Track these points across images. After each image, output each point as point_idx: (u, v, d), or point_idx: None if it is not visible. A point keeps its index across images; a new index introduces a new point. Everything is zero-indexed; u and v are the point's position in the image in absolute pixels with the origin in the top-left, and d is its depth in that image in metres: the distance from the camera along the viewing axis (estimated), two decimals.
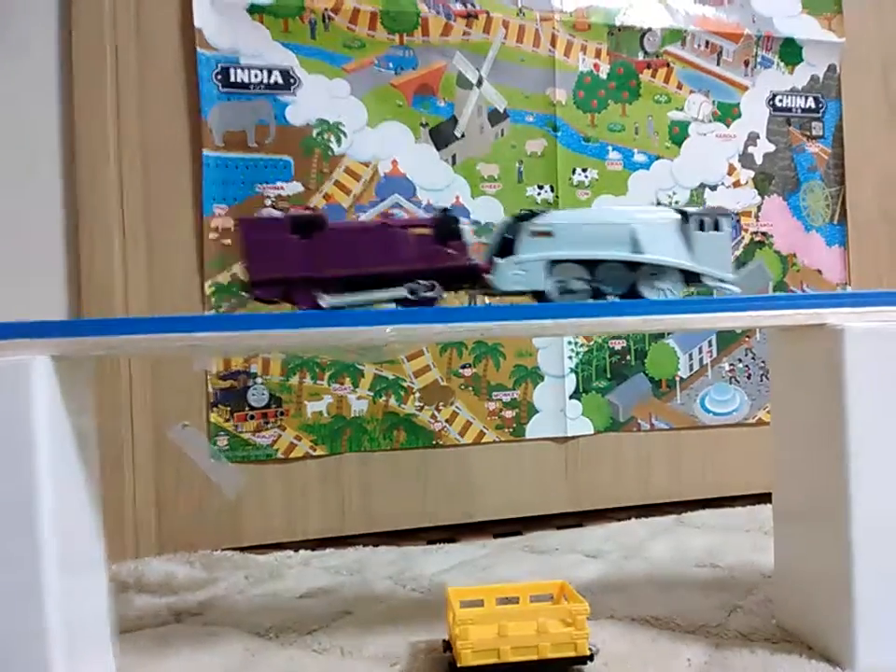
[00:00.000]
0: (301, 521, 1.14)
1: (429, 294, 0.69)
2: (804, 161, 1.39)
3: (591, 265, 0.71)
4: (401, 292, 0.68)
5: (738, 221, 1.35)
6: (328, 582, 0.95)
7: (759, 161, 1.37)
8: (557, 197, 1.25)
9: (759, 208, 1.37)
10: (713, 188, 1.34)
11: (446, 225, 0.70)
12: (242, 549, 1.07)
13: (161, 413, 1.09)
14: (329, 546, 1.11)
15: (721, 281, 0.74)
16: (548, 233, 0.70)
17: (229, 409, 1.12)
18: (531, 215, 0.72)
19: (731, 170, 1.35)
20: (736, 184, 1.35)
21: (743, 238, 1.36)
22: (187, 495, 1.09)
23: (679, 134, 1.32)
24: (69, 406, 0.58)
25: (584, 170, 1.27)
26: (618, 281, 0.72)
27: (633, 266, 0.71)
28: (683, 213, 0.73)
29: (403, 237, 0.69)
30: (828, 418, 0.68)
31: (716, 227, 0.72)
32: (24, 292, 1.03)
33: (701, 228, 0.72)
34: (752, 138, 1.36)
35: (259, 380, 1.13)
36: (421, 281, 0.68)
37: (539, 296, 0.71)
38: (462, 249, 0.70)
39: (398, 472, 1.18)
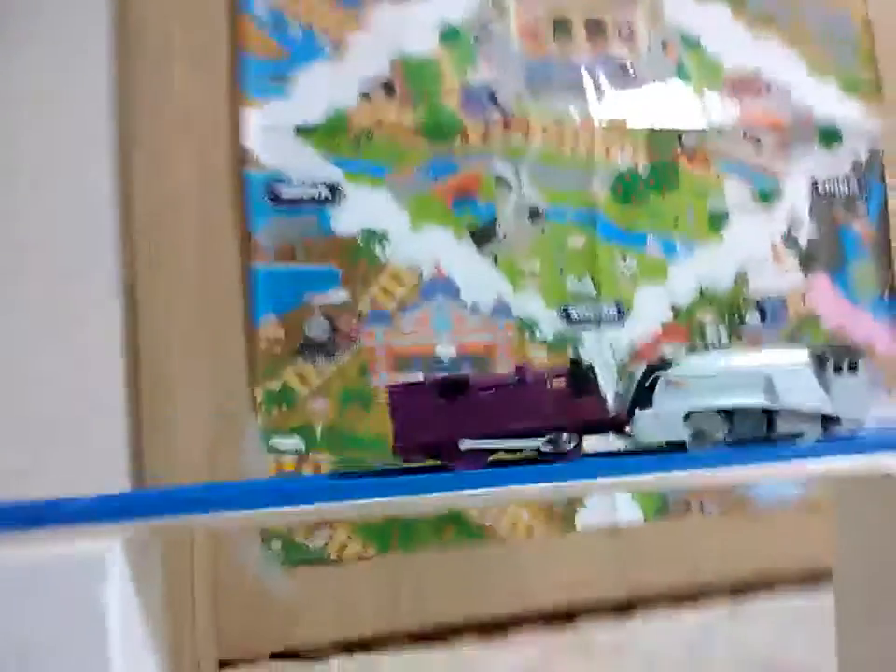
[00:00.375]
0: (353, 621, 1.17)
1: (569, 446, 0.69)
2: (849, 238, 1.39)
3: (727, 413, 0.71)
4: (538, 443, 0.69)
5: (784, 302, 1.35)
6: None
7: (803, 240, 1.36)
8: (598, 289, 1.28)
9: (805, 288, 1.36)
10: (757, 271, 1.34)
11: (581, 377, 0.71)
12: (296, 654, 1.11)
13: None
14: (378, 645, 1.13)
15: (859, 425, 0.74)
16: (683, 383, 0.71)
17: None
18: (665, 364, 0.72)
19: (775, 253, 1.35)
20: (781, 266, 1.35)
21: (790, 320, 1.35)
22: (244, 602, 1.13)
23: (719, 220, 1.33)
24: (141, 587, 0.58)
25: (624, 259, 1.29)
26: (754, 428, 0.71)
27: (769, 412, 0.71)
28: (818, 356, 0.72)
29: (541, 393, 0.69)
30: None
31: (852, 368, 0.71)
32: (83, 415, 1.09)
33: (837, 370, 0.70)
34: (796, 216, 1.37)
35: None
36: (563, 434, 0.70)
37: (677, 446, 0.72)
38: (599, 402, 0.71)
39: (447, 569, 1.20)
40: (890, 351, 1.38)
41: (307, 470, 1.17)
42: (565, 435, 0.70)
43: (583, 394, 0.71)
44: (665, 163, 1.31)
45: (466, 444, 0.69)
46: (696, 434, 0.72)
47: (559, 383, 0.71)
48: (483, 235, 1.25)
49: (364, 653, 1.11)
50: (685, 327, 1.31)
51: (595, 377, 0.72)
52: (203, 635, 1.10)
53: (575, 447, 0.71)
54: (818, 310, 1.36)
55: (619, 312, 1.29)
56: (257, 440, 1.14)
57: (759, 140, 1.36)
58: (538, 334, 1.26)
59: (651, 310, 1.30)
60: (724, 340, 1.32)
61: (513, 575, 1.21)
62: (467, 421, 0.69)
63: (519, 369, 0.73)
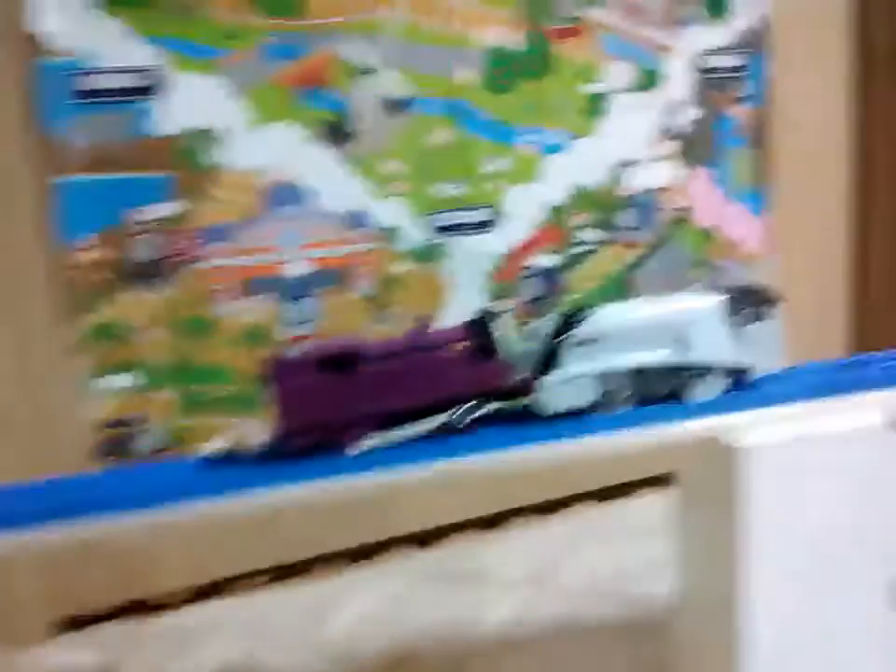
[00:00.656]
0: (207, 565, 1.10)
1: (475, 415, 0.65)
2: (729, 126, 1.31)
3: (636, 371, 0.68)
4: (444, 418, 0.64)
5: (660, 198, 1.28)
6: None
7: (682, 130, 1.28)
8: (467, 192, 1.15)
9: (682, 182, 1.29)
10: (634, 164, 1.25)
11: (481, 338, 0.65)
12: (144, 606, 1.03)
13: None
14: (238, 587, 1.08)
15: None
16: (594, 340, 0.66)
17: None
18: (573, 318, 0.67)
19: (653, 142, 1.26)
20: (659, 158, 1.27)
21: (664, 216, 1.29)
22: None
23: (596, 110, 1.22)
24: None
25: (495, 158, 1.17)
26: (663, 385, 0.68)
27: (678, 368, 0.68)
28: (732, 303, 0.69)
29: (437, 361, 0.64)
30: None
31: (765, 315, 0.69)
32: None
33: (750, 318, 0.69)
34: (675, 106, 1.27)
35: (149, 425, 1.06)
36: (464, 405, 0.65)
37: (588, 411, 0.67)
38: (501, 368, 0.66)
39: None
40: (765, 248, 1.36)
41: (148, 411, 1.04)
42: (467, 406, 0.65)
43: (486, 357, 0.66)
44: (540, 40, 1.16)
45: (371, 440, 0.63)
46: (605, 396, 0.67)
47: (458, 346, 0.66)
48: (335, 132, 1.09)
49: (219, 598, 1.05)
50: (560, 230, 1.23)
51: (496, 336, 0.66)
52: (37, 594, 1.00)
53: (478, 418, 0.65)
54: (694, 206, 1.30)
55: (490, 216, 1.18)
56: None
57: (641, 9, 1.23)
58: (402, 245, 1.14)
59: (524, 212, 1.20)
60: (599, 242, 1.25)
61: (378, 504, 1.16)
62: (358, 397, 0.63)
63: (414, 334, 0.67)
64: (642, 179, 1.26)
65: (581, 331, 0.66)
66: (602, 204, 1.24)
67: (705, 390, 0.69)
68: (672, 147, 1.27)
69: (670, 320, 0.68)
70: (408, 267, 1.15)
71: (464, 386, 0.65)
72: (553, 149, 1.20)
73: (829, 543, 0.65)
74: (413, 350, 0.65)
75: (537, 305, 1.22)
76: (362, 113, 1.09)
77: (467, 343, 0.66)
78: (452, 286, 1.17)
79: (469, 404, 0.65)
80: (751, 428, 0.64)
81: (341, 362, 0.62)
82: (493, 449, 0.64)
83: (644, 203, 1.27)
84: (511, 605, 1.00)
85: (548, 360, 0.67)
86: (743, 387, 0.70)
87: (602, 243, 1.25)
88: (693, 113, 1.28)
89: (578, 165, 1.21)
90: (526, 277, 1.21)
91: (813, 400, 0.69)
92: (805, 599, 0.65)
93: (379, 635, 0.95)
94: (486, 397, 0.66)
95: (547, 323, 0.68)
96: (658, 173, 1.27)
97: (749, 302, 0.69)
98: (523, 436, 0.65)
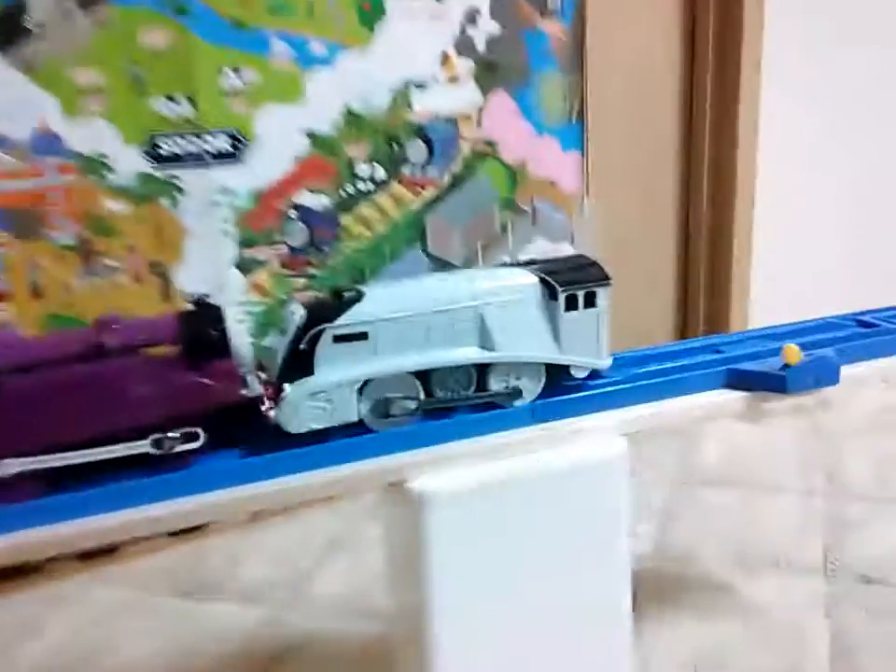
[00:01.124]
0: None
1: (187, 447, 0.45)
2: (536, 44, 1.12)
3: (421, 374, 0.50)
4: (141, 448, 0.44)
5: (456, 128, 1.08)
6: None
7: (480, 46, 1.07)
8: (198, 112, 0.91)
9: (481, 109, 1.09)
10: (422, 86, 1.04)
11: (200, 333, 0.46)
12: None
13: None
14: None
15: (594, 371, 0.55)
16: (361, 336, 0.49)
17: None
18: (336, 304, 0.48)
19: (445, 60, 1.05)
20: (453, 79, 1.06)
21: (462, 150, 1.09)
22: None
23: (372, 14, 0.99)
24: None
25: (236, 70, 0.92)
26: (460, 387, 0.51)
27: (479, 368, 0.51)
28: (547, 282, 0.52)
29: (126, 370, 0.44)
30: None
31: (590, 301, 0.52)
32: None
33: (571, 305, 0.52)
34: (471, 16, 1.06)
35: None
36: (171, 433, 0.45)
37: (353, 427, 0.49)
38: (229, 375, 0.46)
39: None
40: (577, 188, 1.19)
41: None
42: (174, 434, 0.45)
43: (204, 360, 0.46)
44: None
45: (10, 467, 0.42)
46: (378, 406, 0.49)
47: (162, 349, 0.46)
48: (5, 31, 0.82)
49: None
50: (330, 163, 1.00)
51: (223, 328, 0.47)
52: None
53: (191, 448, 0.45)
54: (496, 138, 1.11)
55: (234, 144, 0.94)
56: None
57: None
58: (111, 178, 0.89)
59: (280, 140, 0.97)
60: (381, 179, 1.04)
61: None
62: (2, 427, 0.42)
63: (98, 327, 0.45)
64: (433, 104, 1.05)
65: (341, 324, 0.48)
66: (383, 134, 1.02)
67: (515, 396, 0.52)
68: (469, 66, 1.07)
69: (467, 306, 0.51)
70: (121, 207, 0.90)
71: (165, 406, 0.45)
72: (317, 63, 0.97)
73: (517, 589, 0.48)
74: (84, 356, 0.43)
75: (303, 256, 1.00)
76: (44, 2, 0.83)
77: (175, 343, 0.46)
78: (190, 233, 0.94)
79: (180, 431, 0.45)
80: (444, 466, 0.45)
81: None
82: (208, 489, 0.45)
83: (437, 134, 1.06)
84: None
85: (295, 364, 0.48)
86: (562, 390, 0.52)
87: (385, 180, 1.04)
88: (494, 26, 1.08)
89: (349, 84, 0.99)
90: (289, 221, 0.99)
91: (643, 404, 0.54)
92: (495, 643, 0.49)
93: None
94: (205, 419, 0.46)
95: (293, 311, 0.49)
96: (453, 97, 1.06)
97: (567, 283, 0.52)
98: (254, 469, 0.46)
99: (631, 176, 1.23)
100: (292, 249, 1.00)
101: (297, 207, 0.99)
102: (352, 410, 0.48)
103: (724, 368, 0.55)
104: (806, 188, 1.32)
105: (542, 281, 0.53)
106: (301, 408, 0.47)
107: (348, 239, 1.03)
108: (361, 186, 1.02)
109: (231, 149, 0.94)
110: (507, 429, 0.50)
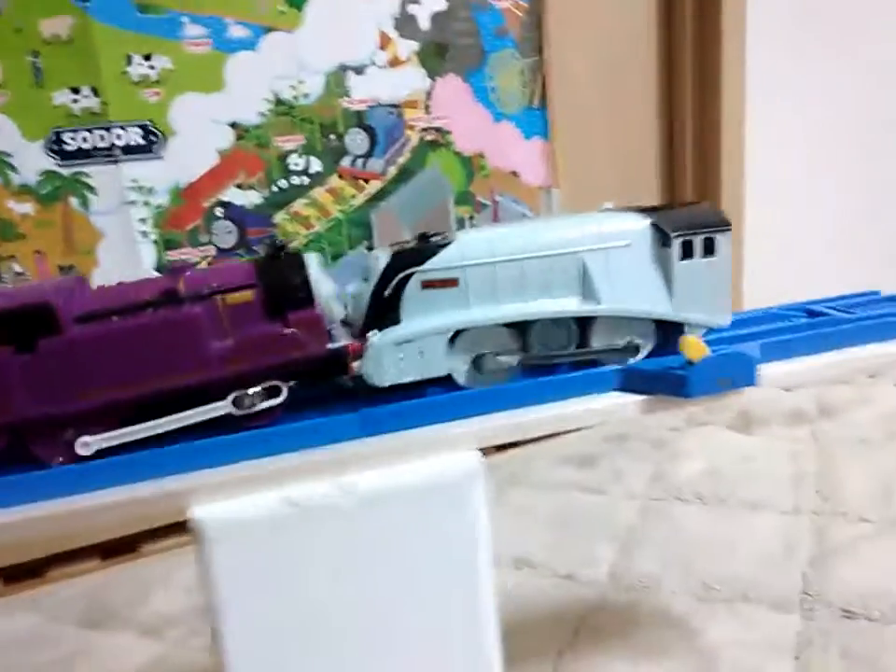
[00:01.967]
0: None
1: (268, 404, 0.41)
2: (490, 22, 1.03)
3: (519, 326, 0.46)
4: (221, 409, 0.41)
5: (401, 116, 1.00)
6: None
7: (425, 25, 0.99)
8: (105, 104, 0.84)
9: (429, 95, 1.01)
10: (359, 70, 0.96)
11: (281, 280, 0.42)
12: None
13: None
14: None
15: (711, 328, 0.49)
16: (451, 282, 0.44)
17: None
18: (424, 248, 0.44)
19: (384, 41, 0.97)
20: (394, 62, 0.98)
21: (409, 139, 1.01)
22: None
23: None
24: None
25: (147, 57, 0.86)
26: (560, 343, 0.46)
27: (582, 319, 0.47)
28: (659, 227, 0.47)
29: (202, 320, 0.40)
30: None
31: (708, 249, 0.47)
32: None
33: (686, 253, 0.46)
34: None
35: None
36: (252, 389, 0.41)
37: (443, 382, 0.45)
38: (313, 325, 0.42)
39: None
40: (543, 179, 1.10)
41: None
42: (256, 390, 0.41)
43: (287, 310, 0.42)
44: None
45: (89, 446, 0.39)
46: (474, 363, 0.45)
47: (242, 296, 0.41)
48: None
49: None
50: (259, 156, 0.93)
51: (305, 275, 0.42)
52: None
53: (277, 405, 0.42)
54: (448, 125, 1.02)
55: (147, 137, 0.87)
56: None
57: None
58: (13, 177, 0.83)
59: (200, 133, 0.90)
60: (318, 173, 0.96)
61: None
62: (68, 383, 0.39)
63: (170, 274, 0.42)
64: (374, 90, 0.97)
65: (429, 269, 0.44)
66: (318, 123, 0.95)
67: (629, 352, 0.47)
68: (413, 48, 0.98)
69: (568, 252, 0.46)
70: (28, 209, 0.84)
71: (247, 358, 0.41)
72: (239, 47, 0.89)
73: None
74: (158, 303, 0.40)
75: (233, 257, 0.93)
76: None
77: (255, 291, 0.42)
78: (103, 235, 0.87)
79: (262, 385, 0.42)
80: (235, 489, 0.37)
81: (26, 326, 0.38)
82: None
83: (379, 122, 0.98)
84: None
85: (379, 312, 0.44)
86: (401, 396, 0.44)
87: (322, 173, 0.96)
88: (439, 2, 0.99)
89: (276, 70, 0.91)
90: (216, 220, 0.92)
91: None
92: None
93: None
94: (286, 372, 0.42)
95: (377, 256, 0.45)
96: (396, 82, 0.98)
97: (682, 228, 0.46)
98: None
99: (604, 166, 1.13)
100: (221, 251, 0.92)
101: (224, 205, 0.92)
102: (441, 363, 0.44)
103: (622, 368, 0.45)
104: (795, 173, 1.21)
105: (653, 226, 0.47)
106: (386, 358, 0.43)
107: (283, 238, 0.95)
108: (295, 180, 0.95)
109: (143, 143, 0.87)
110: (339, 441, 0.41)
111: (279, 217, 0.94)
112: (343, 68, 0.95)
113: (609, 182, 1.15)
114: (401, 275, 0.43)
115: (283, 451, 0.41)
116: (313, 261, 0.43)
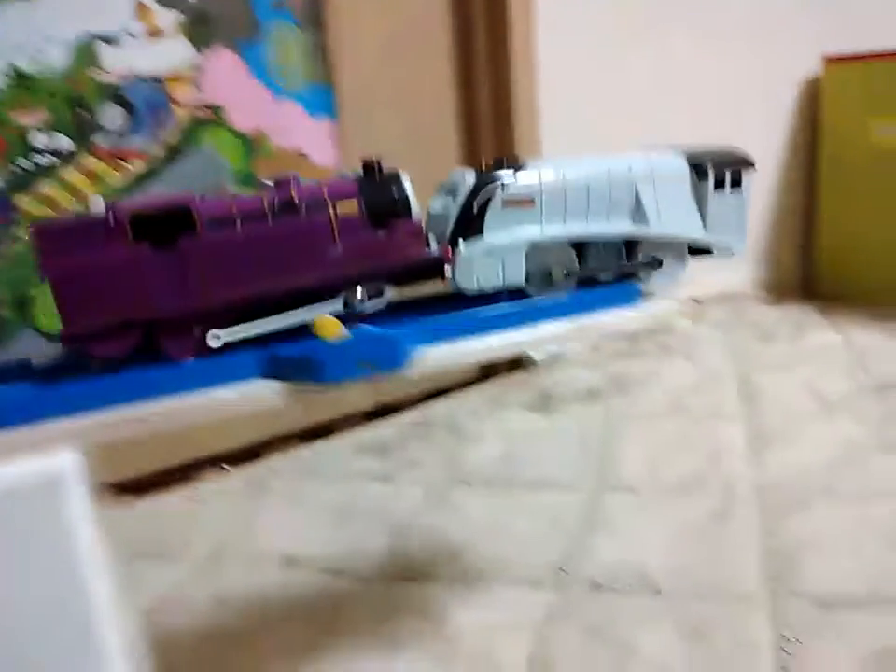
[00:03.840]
0: None
1: (374, 303, 0.47)
2: None
3: (579, 244, 0.52)
4: (332, 306, 0.46)
5: (164, 91, 0.93)
6: None
7: None
8: None
9: (198, 69, 0.94)
10: (110, 40, 0.88)
11: (382, 193, 0.47)
12: None
13: None
14: None
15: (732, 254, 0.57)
16: (528, 202, 0.50)
17: None
18: (498, 172, 0.49)
19: (141, 11, 0.90)
20: (154, 32, 0.91)
21: (177, 116, 0.94)
22: None
23: None
24: None
25: None
26: (610, 261, 0.53)
27: (632, 242, 0.54)
28: (698, 166, 0.55)
29: (321, 227, 0.45)
30: None
31: (736, 182, 0.55)
32: None
33: (718, 185, 0.55)
34: None
35: None
36: (360, 287, 0.46)
37: (516, 293, 0.51)
38: (413, 234, 0.47)
39: None
40: (332, 160, 1.05)
41: None
42: (362, 290, 0.47)
43: (387, 221, 0.47)
44: None
45: (218, 338, 0.43)
46: (540, 273, 0.50)
47: (350, 207, 0.46)
48: None
49: None
50: None
51: (403, 189, 0.47)
52: None
53: (382, 305, 0.47)
54: (222, 102, 0.96)
55: None
56: None
57: None
58: None
59: None
60: (67, 151, 0.88)
61: None
62: (198, 282, 0.42)
63: (280, 185, 0.45)
64: (132, 62, 0.90)
65: (511, 189, 0.49)
66: (65, 97, 0.87)
67: (655, 266, 0.54)
68: (176, 18, 0.92)
69: (626, 179, 0.52)
70: None
71: (356, 262, 0.46)
72: None
73: None
74: (278, 211, 0.44)
75: None
76: None
77: (358, 202, 0.47)
78: None
79: (368, 287, 0.47)
80: None
81: (166, 227, 0.42)
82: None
83: (138, 97, 0.91)
84: None
85: (466, 226, 0.49)
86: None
87: (73, 153, 0.88)
88: None
89: (14, 40, 0.83)
90: None
91: None
92: None
93: None
94: (389, 276, 0.48)
95: (465, 175, 0.50)
96: (156, 54, 0.91)
97: (717, 166, 0.54)
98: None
99: (398, 143, 1.10)
100: None
101: None
102: (520, 272, 0.49)
103: (263, 354, 0.41)
104: (588, 129, 1.23)
105: (691, 163, 0.54)
106: (476, 265, 0.48)
107: (30, 223, 0.86)
108: (40, 160, 0.86)
109: None
110: None
111: (22, 201, 0.86)
112: (93, 38, 0.87)
113: (405, 160, 1.12)
114: (486, 193, 0.48)
115: None
116: (406, 178, 0.48)
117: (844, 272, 1.52)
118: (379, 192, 0.47)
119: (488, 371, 1.22)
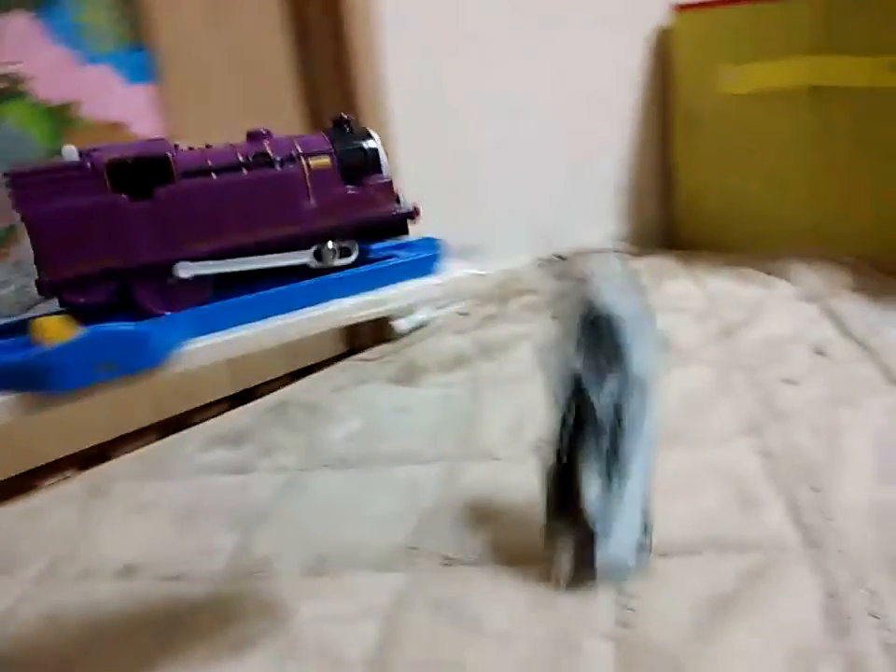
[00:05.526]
0: None
1: (343, 261, 0.47)
2: None
3: None
4: (301, 258, 0.46)
5: None
6: None
7: None
8: None
9: None
10: None
11: (354, 149, 0.48)
12: None
13: None
14: None
15: None
16: None
17: None
18: None
19: None
20: None
21: None
22: None
23: None
24: None
25: None
26: None
27: None
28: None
29: (296, 180, 0.45)
30: None
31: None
32: None
33: None
34: None
35: None
36: (331, 242, 0.47)
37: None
38: (384, 189, 0.48)
39: None
40: (155, 129, 0.97)
41: None
42: (332, 244, 0.47)
43: (360, 177, 0.48)
44: None
45: (187, 270, 0.43)
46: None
47: (322, 162, 0.47)
48: None
49: None
50: None
51: (374, 146, 0.49)
52: None
53: (351, 261, 0.48)
54: (22, 71, 0.86)
55: None
56: None
57: None
58: None
59: None
60: None
61: None
62: (175, 231, 0.42)
63: (254, 137, 0.46)
64: None
65: None
66: None
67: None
68: None
69: None
70: None
71: (329, 216, 0.46)
72: None
73: None
74: (252, 163, 0.45)
75: None
76: None
77: (330, 157, 0.47)
78: None
79: (340, 241, 0.47)
80: None
81: (143, 176, 0.41)
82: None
83: None
84: None
85: None
86: None
87: None
88: None
89: None
90: None
91: None
92: None
93: None
94: (358, 231, 0.48)
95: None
96: None
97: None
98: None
99: (234, 106, 1.02)
100: None
101: None
102: None
103: None
104: (430, 82, 1.18)
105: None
106: None
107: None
108: None
109: None
110: None
111: None
112: None
113: (244, 123, 1.04)
114: None
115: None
116: (375, 134, 0.48)
117: (702, 220, 1.55)
118: (350, 148, 0.48)
119: (352, 346, 1.18)
